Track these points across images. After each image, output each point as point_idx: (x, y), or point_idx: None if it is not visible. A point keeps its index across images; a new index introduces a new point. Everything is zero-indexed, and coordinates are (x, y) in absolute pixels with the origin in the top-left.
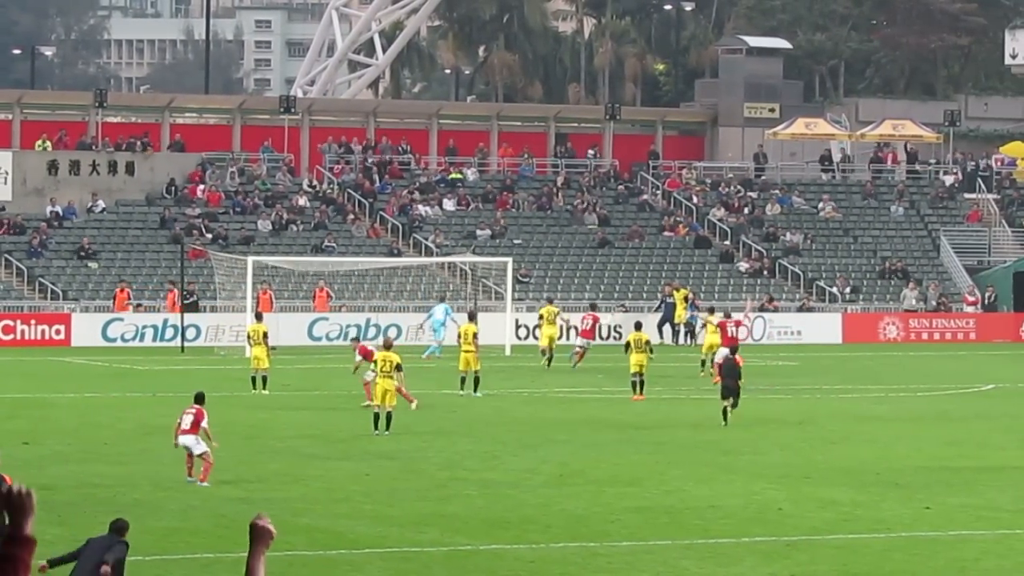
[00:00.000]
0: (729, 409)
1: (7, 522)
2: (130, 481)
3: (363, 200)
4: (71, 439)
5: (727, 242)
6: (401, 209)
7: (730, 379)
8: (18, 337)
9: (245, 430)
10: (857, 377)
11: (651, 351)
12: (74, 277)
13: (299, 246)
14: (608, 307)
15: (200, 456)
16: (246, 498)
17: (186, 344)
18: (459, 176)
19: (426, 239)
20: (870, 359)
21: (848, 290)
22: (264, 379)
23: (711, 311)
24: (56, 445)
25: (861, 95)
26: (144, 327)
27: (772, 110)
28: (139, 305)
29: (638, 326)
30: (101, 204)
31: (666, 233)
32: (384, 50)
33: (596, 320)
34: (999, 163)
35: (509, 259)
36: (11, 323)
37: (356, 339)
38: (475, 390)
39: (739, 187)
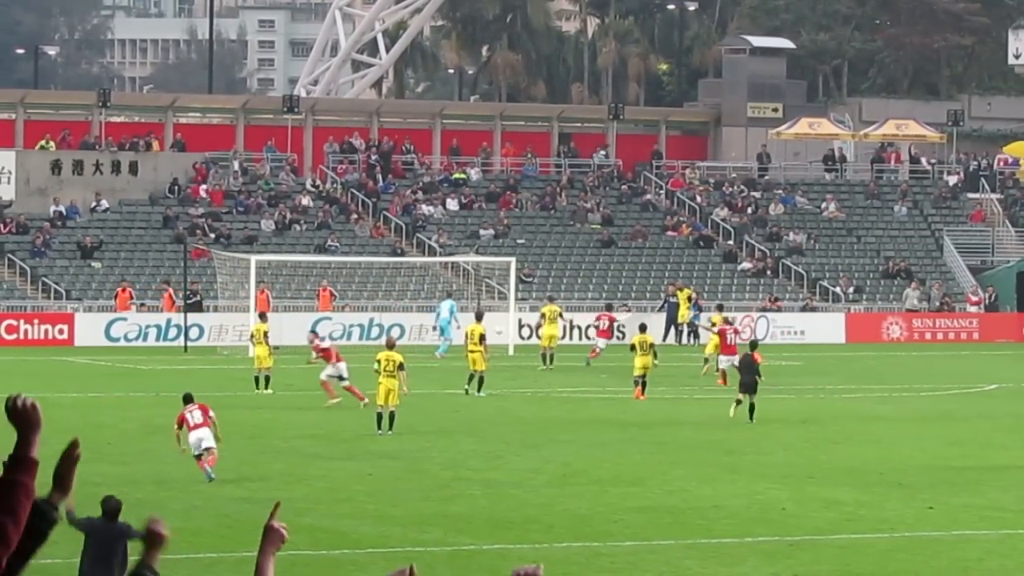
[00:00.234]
0: (754, 403)
1: (15, 440)
2: (133, 481)
3: (366, 200)
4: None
5: (730, 242)
6: (404, 209)
7: (748, 375)
8: (21, 337)
9: (248, 430)
10: (860, 377)
11: (655, 354)
12: (77, 277)
13: (302, 246)
14: (612, 307)
15: (207, 450)
16: (249, 498)
17: (189, 344)
18: (463, 176)
19: (429, 239)
20: (873, 359)
21: (851, 290)
22: (267, 379)
23: (720, 309)
24: (59, 445)
25: (864, 95)
26: (147, 327)
27: (775, 110)
28: (142, 305)
29: (643, 328)
30: (104, 204)
31: (669, 233)
32: (387, 50)
33: (612, 320)
34: (1001, 163)
35: (512, 259)
36: (14, 323)
37: (314, 332)
38: (479, 390)
39: (742, 187)
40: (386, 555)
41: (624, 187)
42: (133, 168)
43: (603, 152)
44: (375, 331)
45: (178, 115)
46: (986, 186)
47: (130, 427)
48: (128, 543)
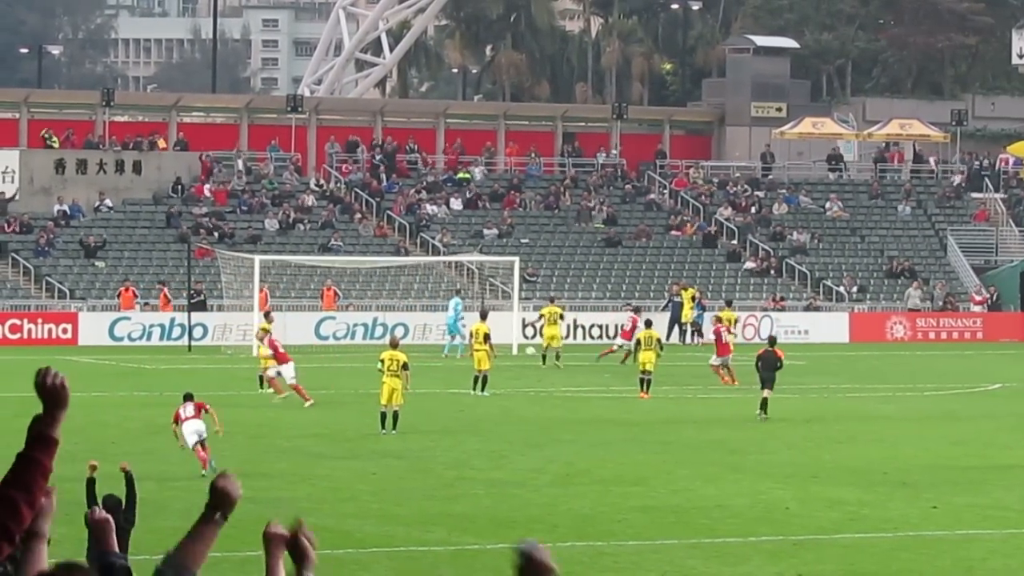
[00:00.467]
0: (767, 399)
1: (40, 416)
2: (136, 480)
3: (370, 199)
4: (78, 438)
5: (734, 241)
6: (408, 208)
7: (767, 370)
8: (25, 336)
9: (252, 429)
10: (864, 376)
11: (661, 349)
12: (81, 276)
13: (306, 245)
14: (615, 306)
15: (202, 442)
16: (253, 497)
17: (193, 343)
18: (466, 176)
19: (433, 238)
20: (877, 358)
21: (855, 289)
22: (262, 379)
23: (729, 304)
24: (64, 444)
25: (868, 94)
26: (151, 326)
27: (779, 109)
28: (146, 304)
29: (648, 324)
30: (108, 203)
31: (673, 232)
32: (391, 49)
33: (636, 322)
34: (1003, 163)
35: (516, 258)
36: (18, 322)
37: (267, 330)
38: (482, 389)
39: (746, 186)
40: (390, 554)
41: (628, 187)
42: (137, 167)
43: (614, 152)
44: (379, 331)
45: (182, 114)
46: (990, 186)
47: (134, 426)
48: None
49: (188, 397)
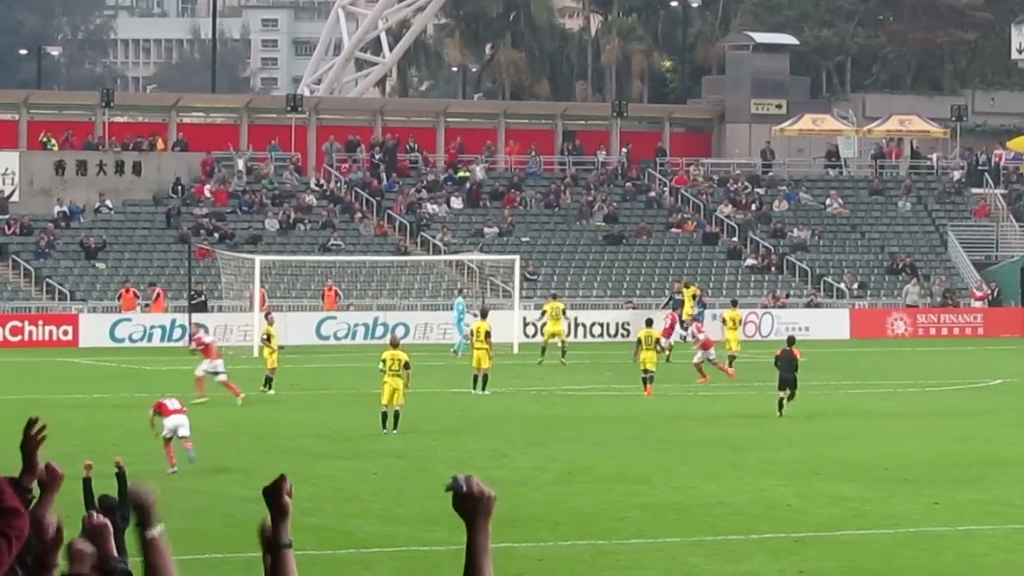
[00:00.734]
0: (785, 400)
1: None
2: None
3: (370, 199)
4: (79, 440)
5: (734, 238)
6: (408, 207)
7: (787, 371)
8: (26, 338)
9: (254, 429)
10: (865, 373)
11: (661, 348)
12: (81, 278)
13: (306, 245)
14: (616, 304)
15: (182, 438)
16: (255, 498)
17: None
18: (467, 174)
19: (434, 237)
20: (878, 355)
21: (856, 286)
22: (268, 379)
23: (734, 304)
24: (64, 446)
25: (868, 91)
26: (152, 327)
27: (779, 106)
28: (146, 305)
29: (649, 323)
30: (108, 204)
31: (674, 230)
32: (391, 48)
33: (675, 321)
34: (998, 158)
35: (516, 257)
36: (19, 324)
37: (199, 325)
38: (483, 388)
39: (746, 183)
40: (392, 554)
41: (628, 184)
42: (137, 168)
43: (624, 151)
44: (380, 330)
45: (181, 115)
46: (990, 181)
47: (135, 428)
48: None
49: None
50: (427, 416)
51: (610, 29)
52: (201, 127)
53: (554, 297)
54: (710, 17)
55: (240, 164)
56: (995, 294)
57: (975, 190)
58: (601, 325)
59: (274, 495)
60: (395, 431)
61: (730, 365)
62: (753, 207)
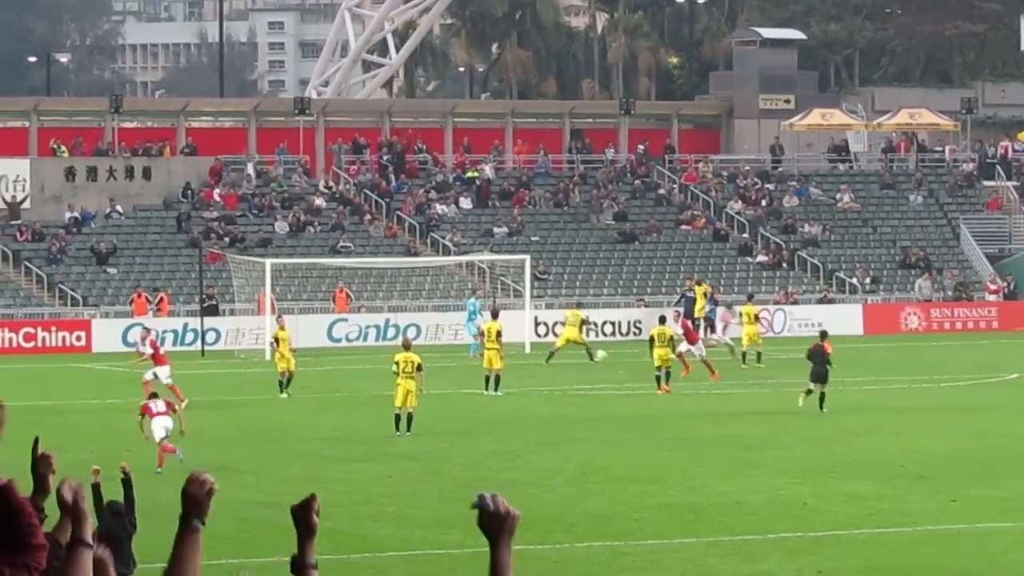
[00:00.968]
0: (825, 393)
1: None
2: (152, 487)
3: (380, 200)
4: (93, 446)
5: (745, 235)
6: (418, 208)
7: (819, 364)
8: (39, 344)
9: (266, 433)
10: (879, 368)
11: (674, 347)
12: (93, 283)
13: (317, 247)
14: (627, 303)
15: (163, 441)
16: (268, 502)
17: (206, 348)
18: (475, 174)
19: (443, 238)
20: (892, 350)
21: (868, 281)
22: (281, 382)
23: (750, 298)
24: (78, 452)
25: (877, 84)
26: (164, 332)
27: (787, 101)
28: (158, 310)
29: (662, 320)
30: (119, 209)
31: (683, 227)
32: (397, 49)
33: (727, 317)
34: (1004, 150)
35: (527, 257)
36: (32, 330)
37: (148, 330)
38: (496, 389)
39: (756, 179)
40: (406, 558)
41: (637, 182)
42: (147, 173)
43: (640, 148)
44: (391, 332)
45: (190, 119)
46: (1002, 174)
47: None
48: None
49: (154, 396)
50: (440, 418)
51: (616, 26)
52: (210, 131)
53: (577, 306)
54: (716, 13)
55: (249, 168)
56: (1010, 287)
57: (987, 183)
58: (612, 324)
59: (303, 514)
60: (408, 433)
61: (758, 361)
62: (763, 203)
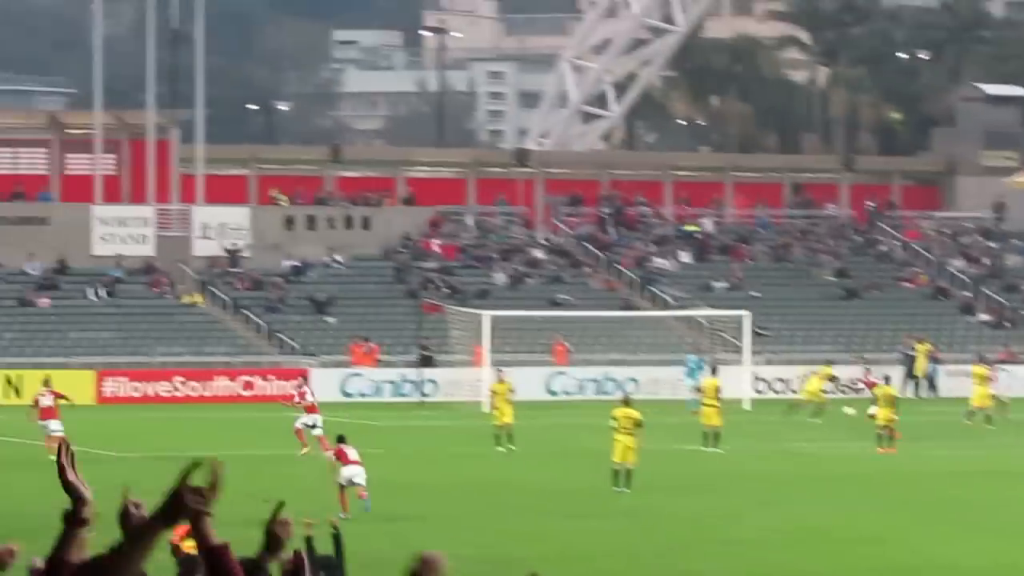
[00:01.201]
0: None
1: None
2: (371, 539)
3: (599, 253)
4: (310, 497)
5: (967, 293)
6: (637, 261)
7: None
8: (258, 393)
9: (483, 485)
10: None
11: (897, 407)
12: (311, 332)
13: (535, 299)
14: (847, 360)
15: (354, 487)
16: (480, 556)
17: (423, 399)
18: (695, 228)
19: (662, 291)
20: None
21: None
22: (497, 436)
23: (981, 359)
24: (298, 504)
25: None
26: (382, 382)
27: (1011, 158)
28: (379, 360)
29: (887, 380)
30: (337, 259)
31: (904, 284)
32: (616, 101)
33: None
34: None
35: (747, 313)
36: (250, 379)
37: (303, 380)
38: (715, 445)
39: (978, 237)
40: None
41: (858, 238)
42: (366, 223)
43: (870, 206)
44: (609, 385)
45: (409, 169)
46: None
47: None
48: None
49: (342, 439)
50: (659, 474)
51: (837, 81)
52: (429, 181)
53: (828, 363)
54: (939, 68)
55: (468, 218)
56: None
57: None
58: (831, 380)
59: (276, 534)
60: (627, 489)
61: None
62: (985, 261)
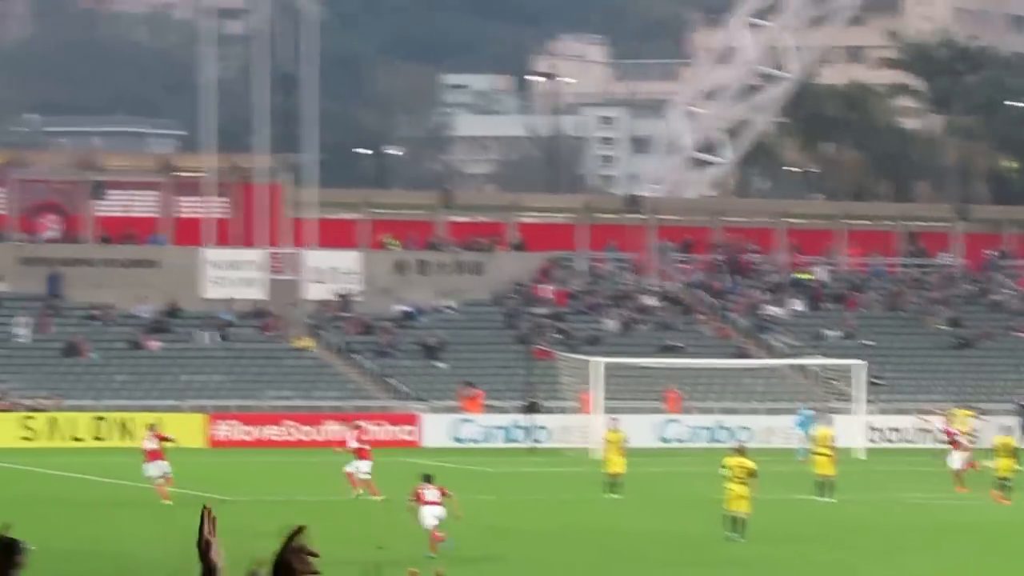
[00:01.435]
0: None
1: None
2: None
3: (711, 300)
4: (422, 542)
5: None
6: (749, 309)
7: None
8: (369, 437)
9: (591, 533)
10: None
11: (1019, 458)
12: (422, 377)
13: (646, 346)
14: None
15: (433, 529)
16: None
17: (534, 445)
18: (808, 276)
19: (774, 340)
20: None
21: None
22: (608, 484)
23: None
24: (408, 549)
25: None
26: (493, 428)
27: None
28: (488, 406)
29: (1005, 431)
30: (448, 303)
31: (1017, 333)
32: (729, 148)
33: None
34: None
35: (863, 363)
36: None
37: (358, 425)
38: (828, 495)
39: None
40: None
41: (971, 287)
42: (476, 268)
43: (989, 255)
44: (722, 433)
45: (520, 214)
46: None
47: (474, 532)
48: None
49: (428, 478)
50: (773, 523)
51: (951, 129)
52: (539, 226)
53: (977, 415)
54: None
55: (579, 265)
56: None
57: None
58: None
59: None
60: (741, 539)
61: None
62: None
